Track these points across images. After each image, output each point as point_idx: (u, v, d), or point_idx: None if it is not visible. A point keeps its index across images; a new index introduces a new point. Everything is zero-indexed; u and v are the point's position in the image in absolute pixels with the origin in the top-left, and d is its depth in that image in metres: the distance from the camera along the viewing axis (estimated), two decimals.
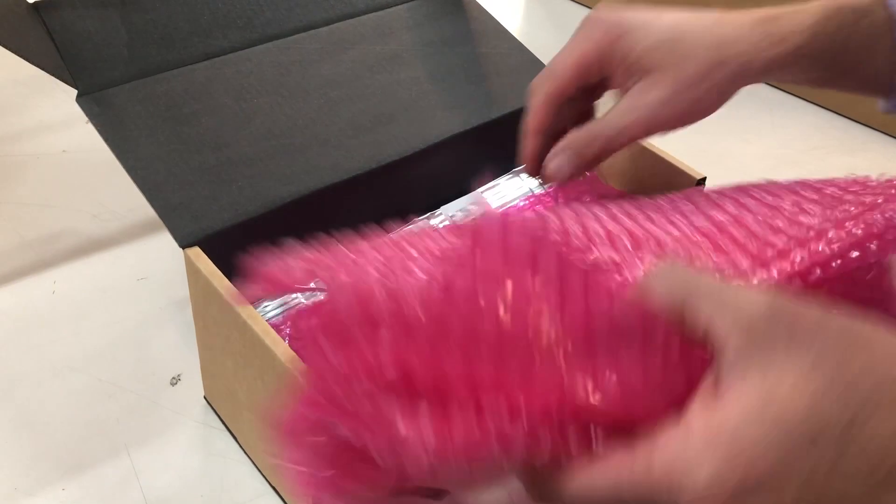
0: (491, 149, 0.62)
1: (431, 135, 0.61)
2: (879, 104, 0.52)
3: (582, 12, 1.15)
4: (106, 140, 0.54)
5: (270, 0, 0.63)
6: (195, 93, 0.58)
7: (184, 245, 0.51)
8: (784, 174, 0.69)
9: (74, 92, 0.55)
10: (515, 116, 0.60)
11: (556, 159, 0.49)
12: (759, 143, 0.93)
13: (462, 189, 0.62)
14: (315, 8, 0.65)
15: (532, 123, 0.50)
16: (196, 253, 0.51)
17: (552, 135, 0.50)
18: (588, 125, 0.48)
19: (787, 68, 0.47)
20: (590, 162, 0.49)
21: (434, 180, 0.62)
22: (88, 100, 0.55)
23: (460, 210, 0.61)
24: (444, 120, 0.63)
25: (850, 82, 0.50)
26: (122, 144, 0.54)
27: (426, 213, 0.59)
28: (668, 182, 0.61)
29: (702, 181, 0.60)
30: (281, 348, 0.46)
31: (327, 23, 0.65)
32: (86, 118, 0.55)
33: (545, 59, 0.69)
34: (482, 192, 0.61)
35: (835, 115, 0.98)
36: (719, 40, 0.46)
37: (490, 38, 0.69)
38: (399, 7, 0.68)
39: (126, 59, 0.57)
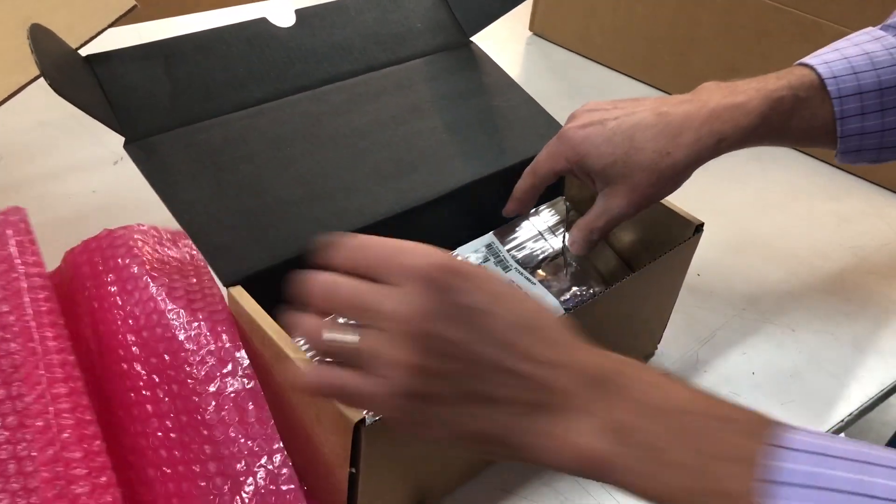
0: (504, 194, 0.67)
1: (449, 182, 0.66)
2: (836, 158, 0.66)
3: (577, 60, 1.21)
4: (152, 184, 0.58)
5: (300, 54, 0.68)
6: (233, 141, 0.62)
7: (228, 284, 0.55)
8: (773, 218, 0.74)
9: (101, 134, 0.58)
10: (526, 164, 0.66)
11: (575, 245, 0.64)
12: (749, 188, 0.98)
13: (477, 232, 0.67)
14: (341, 62, 0.69)
15: (514, 197, 0.66)
16: (239, 291, 0.55)
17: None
18: (584, 217, 0.63)
19: (731, 150, 0.61)
20: (591, 246, 0.63)
21: (452, 224, 0.67)
22: (135, 147, 0.59)
23: (475, 251, 0.65)
24: (460, 168, 0.67)
25: (803, 146, 0.68)
26: (167, 189, 0.58)
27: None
28: (668, 227, 0.66)
29: (700, 227, 0.65)
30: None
31: (352, 75, 0.70)
32: (114, 160, 0.58)
33: (545, 104, 0.75)
34: (493, 233, 0.67)
35: (820, 163, 1.04)
36: (664, 150, 0.59)
37: (503, 92, 0.74)
38: (417, 61, 0.73)
39: (168, 109, 0.61)
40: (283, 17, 0.69)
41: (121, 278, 0.57)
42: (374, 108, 0.68)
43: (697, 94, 0.62)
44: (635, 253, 0.71)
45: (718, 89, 0.62)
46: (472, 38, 0.78)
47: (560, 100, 0.76)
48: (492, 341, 0.38)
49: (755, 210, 0.95)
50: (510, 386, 0.38)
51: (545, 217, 0.70)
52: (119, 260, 0.58)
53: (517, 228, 0.68)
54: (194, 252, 0.62)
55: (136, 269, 0.57)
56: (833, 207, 0.97)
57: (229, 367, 0.53)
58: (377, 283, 0.40)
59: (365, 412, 0.47)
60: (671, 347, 0.75)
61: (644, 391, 0.38)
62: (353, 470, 0.50)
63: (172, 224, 0.57)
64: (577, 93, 1.15)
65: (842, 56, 0.63)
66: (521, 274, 0.64)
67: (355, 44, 0.71)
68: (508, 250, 0.66)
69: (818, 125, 0.63)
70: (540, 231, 0.69)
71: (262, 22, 0.67)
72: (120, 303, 0.56)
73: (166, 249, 0.61)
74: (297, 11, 0.69)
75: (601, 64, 1.20)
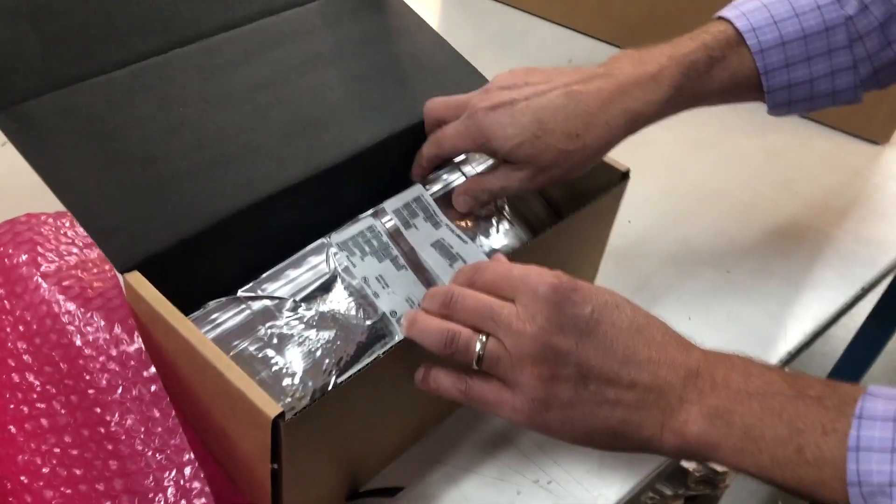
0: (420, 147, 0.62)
1: (363, 138, 0.61)
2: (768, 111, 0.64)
3: (498, 8, 1.16)
4: (28, 160, 0.51)
5: (192, 3, 0.61)
6: (117, 104, 0.56)
7: (123, 270, 0.50)
8: (702, 157, 0.72)
9: None
10: None
11: (459, 199, 0.61)
12: (678, 129, 0.95)
13: (393, 190, 0.62)
14: (233, 6, 0.63)
15: (416, 168, 0.63)
16: (136, 277, 0.50)
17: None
18: (479, 175, 0.61)
19: (643, 125, 0.59)
20: (481, 204, 0.61)
21: (367, 184, 0.62)
22: (4, 117, 0.52)
23: (403, 205, 0.60)
24: (373, 123, 0.62)
25: (728, 103, 0.63)
26: (46, 164, 0.51)
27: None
28: (594, 175, 0.63)
29: (626, 174, 0.63)
30: (234, 373, 0.45)
31: (247, 21, 0.63)
32: (2, 140, 0.52)
33: (465, 55, 0.70)
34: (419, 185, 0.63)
35: None
36: (573, 133, 0.56)
37: (412, 35, 0.69)
38: (317, 2, 0.67)
39: (40, 69, 0.54)
40: None
41: (9, 279, 0.52)
42: (274, 59, 0.62)
43: (609, 66, 0.59)
44: (563, 201, 0.68)
45: (629, 60, 0.59)
46: None
47: (481, 49, 0.71)
48: (602, 347, 0.44)
49: (684, 150, 0.93)
50: (622, 387, 0.44)
51: (473, 163, 0.65)
52: (6, 260, 0.52)
53: (444, 176, 0.64)
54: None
55: (25, 268, 0.52)
56: (761, 142, 0.95)
57: (131, 371, 0.48)
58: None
59: (281, 406, 0.44)
60: None
61: (732, 378, 0.44)
62: (276, 466, 0.47)
63: None
64: (497, 42, 1.09)
65: (761, 4, 0.60)
66: (453, 232, 0.60)
67: None
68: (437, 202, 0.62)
69: (740, 82, 0.60)
70: (468, 178, 0.64)
71: None
72: (9, 307, 0.51)
73: (67, 239, 0.55)
74: None
75: (521, 10, 1.15)
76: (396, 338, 0.54)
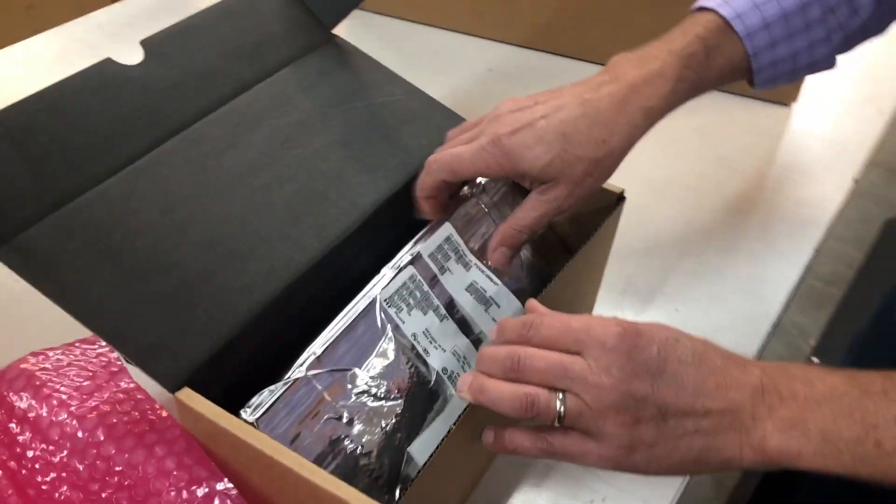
0: None
1: (367, 203, 0.60)
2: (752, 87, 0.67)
3: (408, 28, 1.15)
4: (43, 291, 0.48)
5: (162, 92, 0.59)
6: (118, 215, 0.53)
7: (174, 389, 0.48)
8: (643, 149, 0.74)
9: None
10: None
11: (496, 254, 0.60)
12: None
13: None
14: (208, 89, 0.61)
15: (422, 194, 0.60)
16: (189, 395, 0.48)
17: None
18: (510, 218, 0.59)
19: (657, 120, 0.60)
20: (520, 247, 0.60)
21: (383, 245, 0.61)
22: (7, 251, 0.49)
23: (436, 248, 0.59)
24: (373, 184, 0.62)
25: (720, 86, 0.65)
26: (63, 293, 0.49)
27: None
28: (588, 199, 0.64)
29: (622, 195, 0.64)
30: (322, 478, 0.44)
31: (223, 102, 0.61)
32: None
33: None
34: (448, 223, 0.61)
35: None
36: (599, 139, 0.57)
37: (383, 86, 0.68)
38: (286, 70, 0.65)
39: (31, 193, 0.51)
40: (129, 54, 0.58)
41: (38, 428, 0.49)
42: (260, 136, 0.61)
43: (612, 72, 0.60)
44: (559, 226, 0.69)
45: (630, 62, 0.60)
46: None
47: (405, 72, 0.70)
48: (675, 384, 0.46)
49: None
50: (699, 417, 0.46)
51: (490, 191, 0.64)
52: (25, 407, 0.50)
53: (467, 208, 0.63)
54: (105, 359, 0.53)
55: (45, 409, 0.49)
56: (691, 123, 0.99)
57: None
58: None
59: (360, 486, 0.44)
60: (601, 308, 0.74)
61: (797, 388, 0.46)
62: None
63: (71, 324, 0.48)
64: (418, 62, 1.09)
65: None
66: (482, 272, 0.60)
67: (217, 65, 0.62)
68: (466, 241, 0.61)
69: (734, 66, 0.62)
70: (487, 209, 0.63)
71: (108, 63, 0.58)
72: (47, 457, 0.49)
73: (86, 372, 0.52)
74: (143, 43, 0.59)
75: (431, 26, 1.15)
76: (452, 399, 0.54)
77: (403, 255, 0.57)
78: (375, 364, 0.52)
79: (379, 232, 0.60)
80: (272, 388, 0.49)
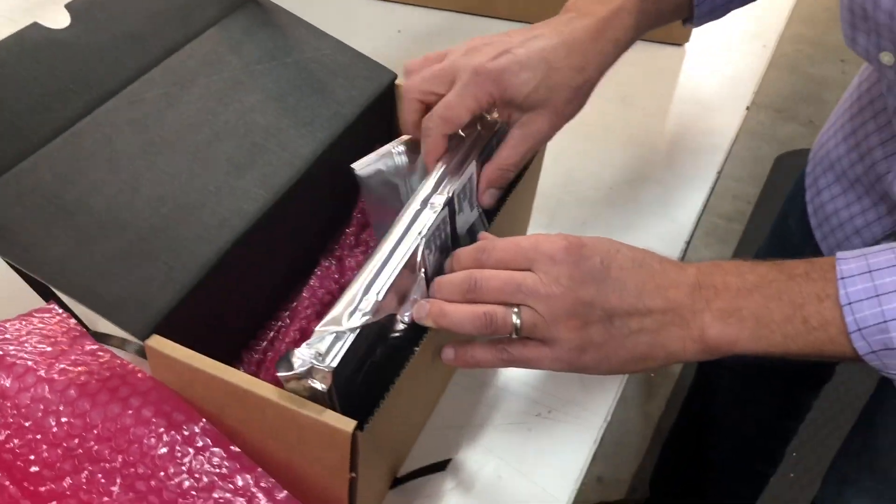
0: (362, 146, 0.65)
1: (307, 153, 0.63)
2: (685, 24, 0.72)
3: None
4: (5, 256, 0.49)
5: (93, 55, 0.60)
6: (67, 175, 0.54)
7: (143, 337, 0.50)
8: None
9: None
10: (369, 113, 0.67)
11: (486, 196, 0.61)
12: None
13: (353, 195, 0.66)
14: (139, 53, 0.62)
15: (431, 158, 0.60)
16: (158, 341, 0.50)
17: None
18: (496, 159, 0.61)
19: (626, 49, 0.65)
20: (506, 186, 0.62)
21: (328, 194, 0.65)
22: None
23: (462, 188, 0.59)
24: (310, 134, 0.64)
25: (664, 25, 0.69)
26: (25, 254, 0.50)
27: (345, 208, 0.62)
28: None
29: None
30: (299, 402, 0.47)
31: (155, 63, 0.63)
32: None
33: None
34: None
35: None
36: (578, 66, 0.60)
37: (309, 41, 0.70)
38: (212, 31, 0.67)
39: None
40: (54, 17, 0.59)
41: (6, 394, 0.51)
42: (196, 95, 0.62)
43: (576, 10, 0.63)
44: None
45: (590, 1, 0.63)
46: None
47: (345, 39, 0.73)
48: (618, 288, 0.49)
49: None
50: (642, 316, 0.49)
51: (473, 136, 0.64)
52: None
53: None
54: (65, 325, 0.55)
55: (11, 377, 0.52)
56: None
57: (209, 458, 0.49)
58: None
59: (353, 425, 0.46)
60: None
61: (729, 280, 0.50)
62: (354, 474, 0.49)
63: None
64: (327, 26, 1.09)
65: None
66: (480, 215, 0.62)
67: (145, 28, 0.63)
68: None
69: (682, 3, 0.68)
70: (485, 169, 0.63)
71: (35, 28, 0.58)
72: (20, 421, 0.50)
73: (30, 338, 0.53)
74: (69, 7, 0.60)
75: None
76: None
77: (433, 195, 0.57)
78: (408, 308, 0.53)
79: (322, 180, 0.63)
80: (337, 331, 0.48)
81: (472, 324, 0.50)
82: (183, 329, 0.51)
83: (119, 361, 0.55)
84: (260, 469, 0.49)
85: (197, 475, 0.50)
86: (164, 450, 0.50)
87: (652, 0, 0.64)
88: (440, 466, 0.59)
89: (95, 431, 0.51)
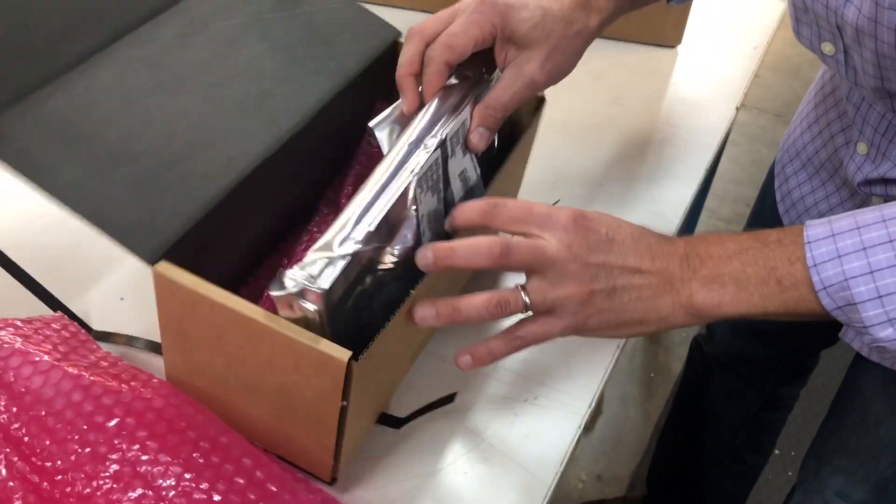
0: (365, 95, 0.69)
1: (313, 101, 0.65)
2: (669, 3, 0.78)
3: None
4: (27, 175, 0.52)
5: None
6: (82, 106, 0.57)
7: (152, 261, 0.53)
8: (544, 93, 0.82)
9: None
10: (376, 65, 0.70)
11: (475, 134, 0.63)
12: None
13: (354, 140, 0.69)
14: None
15: (432, 88, 0.62)
16: (167, 267, 0.53)
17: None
18: (487, 99, 0.63)
19: (608, 24, 0.69)
20: (497, 126, 0.64)
21: (331, 138, 0.68)
22: None
23: (455, 132, 0.61)
24: (316, 84, 0.67)
25: (648, 2, 0.74)
26: (42, 175, 0.52)
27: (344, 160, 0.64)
28: None
29: (543, 99, 0.72)
30: (296, 330, 0.50)
31: (171, 3, 0.65)
32: None
33: None
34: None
35: None
36: (568, 20, 0.65)
37: None
38: None
39: None
40: None
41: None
42: (207, 38, 0.65)
43: None
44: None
45: None
46: None
47: None
48: (621, 256, 0.53)
49: None
50: (640, 284, 0.54)
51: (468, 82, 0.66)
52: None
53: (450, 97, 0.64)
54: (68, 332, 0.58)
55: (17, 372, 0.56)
56: (587, 68, 1.05)
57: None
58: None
59: (348, 355, 0.49)
60: None
61: (712, 250, 0.54)
62: (345, 403, 0.52)
63: None
64: None
65: None
66: (472, 161, 0.64)
67: None
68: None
69: None
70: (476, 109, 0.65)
71: None
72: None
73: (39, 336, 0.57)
74: None
75: None
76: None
77: (429, 135, 0.59)
78: (398, 243, 0.56)
79: (324, 128, 0.66)
80: (330, 256, 0.51)
81: (489, 310, 0.53)
82: (187, 259, 0.54)
83: (123, 364, 0.58)
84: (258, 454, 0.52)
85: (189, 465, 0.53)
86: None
87: None
88: (448, 400, 0.64)
89: (99, 420, 0.54)
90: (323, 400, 0.53)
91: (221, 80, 0.63)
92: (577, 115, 0.99)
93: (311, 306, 0.49)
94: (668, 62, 1.10)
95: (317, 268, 0.50)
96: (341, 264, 0.51)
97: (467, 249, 0.53)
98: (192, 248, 0.54)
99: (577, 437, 0.65)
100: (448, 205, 0.62)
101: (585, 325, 0.54)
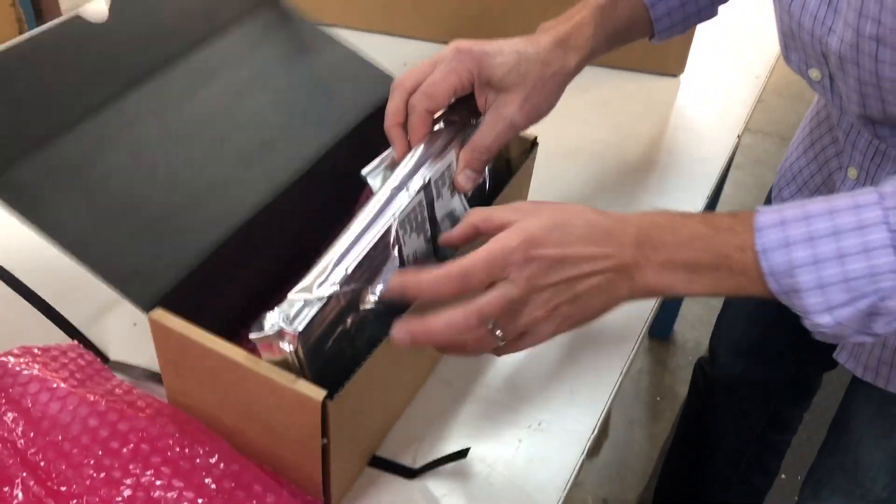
0: (365, 148, 0.69)
1: (311, 151, 0.69)
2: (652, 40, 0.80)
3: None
4: (32, 221, 0.55)
5: (125, 45, 0.66)
6: (91, 155, 0.60)
7: (147, 309, 0.56)
8: (549, 124, 0.84)
9: None
10: (374, 116, 0.71)
11: (461, 176, 0.66)
12: None
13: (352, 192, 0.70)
14: (166, 45, 0.68)
15: (418, 135, 0.66)
16: (161, 314, 0.56)
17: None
18: (472, 141, 0.66)
19: (587, 62, 0.71)
20: (483, 168, 0.68)
21: (327, 186, 0.70)
22: None
23: (440, 175, 0.64)
24: (316, 134, 0.70)
25: (627, 42, 0.78)
26: (49, 224, 0.56)
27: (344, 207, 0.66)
28: (507, 147, 0.75)
29: (535, 141, 0.75)
30: (276, 373, 0.53)
31: (179, 56, 0.68)
32: None
33: None
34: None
35: None
36: (544, 61, 0.68)
37: (323, 47, 0.77)
38: (235, 29, 0.73)
39: (13, 133, 0.58)
40: (96, 11, 0.65)
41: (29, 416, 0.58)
42: (215, 90, 0.68)
43: (545, 29, 0.71)
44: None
45: (557, 21, 0.71)
46: None
47: None
48: (576, 266, 0.55)
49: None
50: (598, 284, 0.56)
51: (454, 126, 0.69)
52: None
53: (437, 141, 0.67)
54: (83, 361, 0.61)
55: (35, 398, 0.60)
56: (592, 97, 1.09)
57: None
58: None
59: (323, 395, 0.52)
60: None
61: (665, 238, 0.56)
62: (325, 440, 0.55)
63: None
64: None
65: None
66: (461, 201, 0.67)
67: (174, 24, 0.69)
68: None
69: (636, 17, 0.75)
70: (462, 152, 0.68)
71: (77, 20, 0.64)
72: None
73: (54, 365, 0.59)
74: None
75: (341, 26, 1.21)
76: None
77: (412, 178, 0.62)
78: (379, 283, 0.58)
79: (322, 178, 0.69)
80: (307, 299, 0.53)
81: (466, 353, 0.57)
82: (184, 304, 0.57)
83: (137, 392, 0.60)
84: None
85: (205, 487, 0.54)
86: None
87: (607, 15, 0.72)
88: (461, 455, 0.65)
89: (114, 446, 0.56)
90: (305, 438, 0.55)
91: (225, 132, 0.66)
92: (581, 143, 1.01)
93: (287, 346, 0.52)
94: (670, 91, 1.12)
95: (294, 309, 0.53)
96: (317, 306, 0.53)
97: (445, 329, 0.54)
98: (189, 294, 0.57)
99: (580, 462, 0.67)
100: (435, 244, 0.64)
101: (557, 332, 0.57)
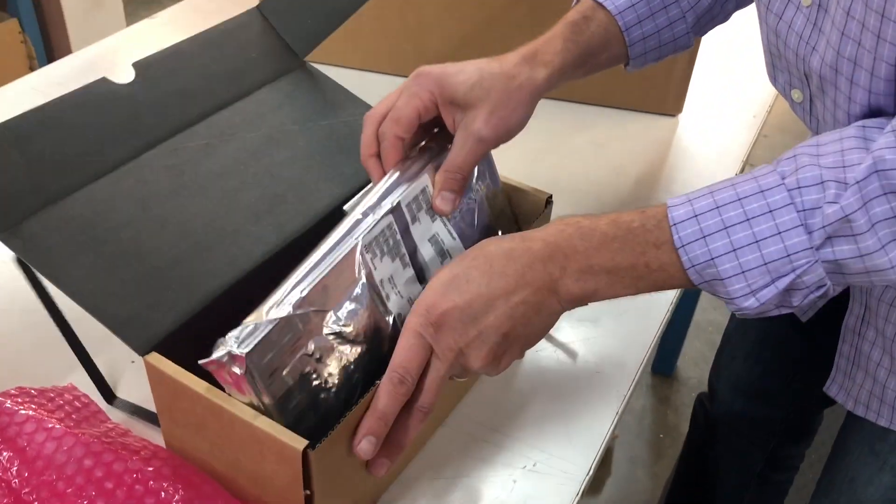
0: None
1: (320, 206, 0.70)
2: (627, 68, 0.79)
3: (326, 71, 1.21)
4: (39, 270, 0.58)
5: (147, 108, 0.68)
6: (103, 211, 0.62)
7: (143, 353, 0.57)
8: (546, 162, 0.85)
9: None
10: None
11: (439, 199, 0.66)
12: (519, 145, 1.07)
13: None
14: (188, 107, 0.71)
15: (392, 160, 0.66)
16: (156, 358, 0.57)
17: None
18: (446, 164, 0.66)
19: (559, 79, 0.71)
20: (461, 188, 0.67)
21: None
22: (8, 236, 0.58)
23: (413, 198, 0.65)
24: (326, 191, 0.71)
25: (601, 65, 0.77)
26: (54, 272, 0.58)
27: None
28: (521, 204, 0.76)
29: (550, 198, 0.74)
30: (260, 420, 0.53)
31: (202, 118, 0.71)
32: None
33: None
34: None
35: (564, 103, 1.15)
36: (508, 75, 0.67)
37: (345, 107, 0.79)
38: (260, 92, 0.76)
39: (30, 190, 0.61)
40: (122, 74, 0.68)
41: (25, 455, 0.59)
42: (233, 148, 0.70)
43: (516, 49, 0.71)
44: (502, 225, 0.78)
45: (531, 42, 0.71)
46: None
47: None
48: (489, 310, 0.56)
49: (528, 160, 1.04)
50: (524, 310, 0.56)
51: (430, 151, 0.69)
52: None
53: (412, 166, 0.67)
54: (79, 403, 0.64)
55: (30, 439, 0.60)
56: (588, 138, 1.10)
57: None
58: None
59: (304, 444, 0.52)
60: None
61: (576, 245, 0.57)
62: (308, 491, 0.54)
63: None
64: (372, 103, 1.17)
65: None
66: (445, 225, 0.67)
67: (198, 86, 0.72)
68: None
69: (610, 39, 0.75)
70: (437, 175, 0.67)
71: (103, 83, 0.67)
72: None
73: (50, 406, 0.62)
74: (135, 65, 0.69)
75: (346, 67, 1.22)
76: None
77: (382, 202, 0.62)
78: (347, 307, 0.57)
79: (330, 230, 0.68)
80: (257, 322, 0.53)
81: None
82: (182, 348, 0.57)
83: (133, 435, 0.63)
84: None
85: None
86: None
87: (579, 31, 0.72)
88: None
89: (109, 486, 0.56)
90: (288, 488, 0.55)
91: (238, 187, 0.68)
92: (580, 183, 1.02)
93: (237, 369, 0.52)
94: (669, 131, 1.12)
95: (245, 333, 0.52)
96: (268, 328, 0.53)
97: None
98: (188, 339, 0.58)
99: (576, 503, 0.66)
100: (419, 268, 0.64)
101: (509, 364, 0.59)
